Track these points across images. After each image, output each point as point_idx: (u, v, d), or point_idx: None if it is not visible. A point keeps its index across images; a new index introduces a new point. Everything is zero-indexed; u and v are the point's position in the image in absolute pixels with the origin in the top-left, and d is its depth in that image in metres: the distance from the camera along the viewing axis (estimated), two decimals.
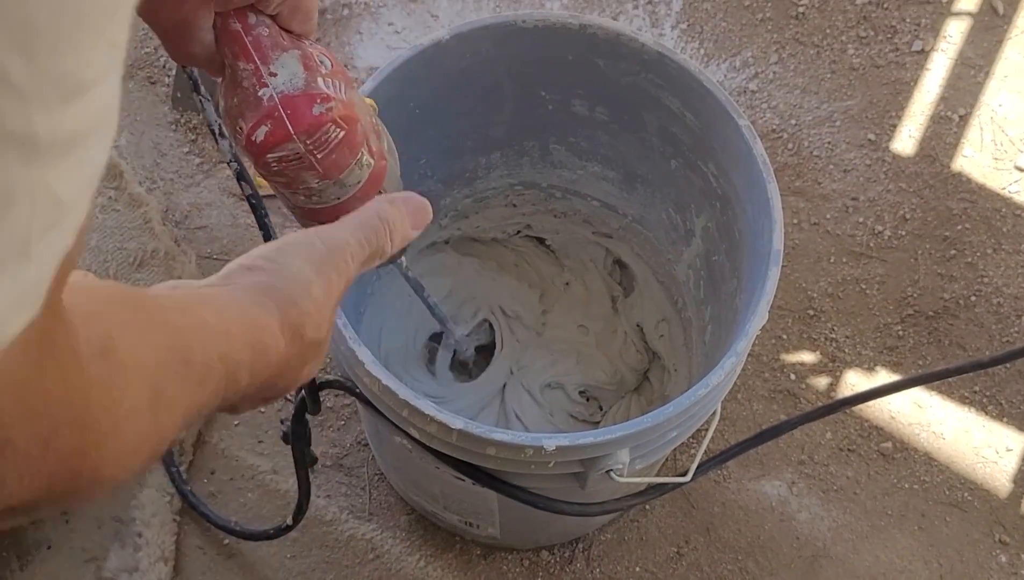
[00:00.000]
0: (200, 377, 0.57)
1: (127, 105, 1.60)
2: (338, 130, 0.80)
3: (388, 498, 1.41)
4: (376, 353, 1.28)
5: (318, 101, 0.78)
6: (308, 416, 1.10)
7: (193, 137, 1.59)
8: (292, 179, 0.82)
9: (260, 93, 0.77)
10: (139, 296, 0.56)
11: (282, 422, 1.21)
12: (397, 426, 1.01)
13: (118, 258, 1.50)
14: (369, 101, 0.90)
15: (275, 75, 0.77)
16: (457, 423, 0.93)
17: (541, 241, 1.48)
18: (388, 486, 1.41)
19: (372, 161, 0.84)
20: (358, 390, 1.03)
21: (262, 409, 1.44)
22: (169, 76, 1.61)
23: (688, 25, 1.71)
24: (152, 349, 0.53)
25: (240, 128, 0.79)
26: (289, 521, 1.30)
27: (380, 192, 0.86)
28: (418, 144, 1.24)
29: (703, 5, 1.72)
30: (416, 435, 0.99)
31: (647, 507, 1.41)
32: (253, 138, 0.78)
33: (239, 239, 1.55)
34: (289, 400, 1.11)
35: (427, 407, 0.94)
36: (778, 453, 1.44)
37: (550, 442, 0.93)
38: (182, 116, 1.59)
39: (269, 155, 0.79)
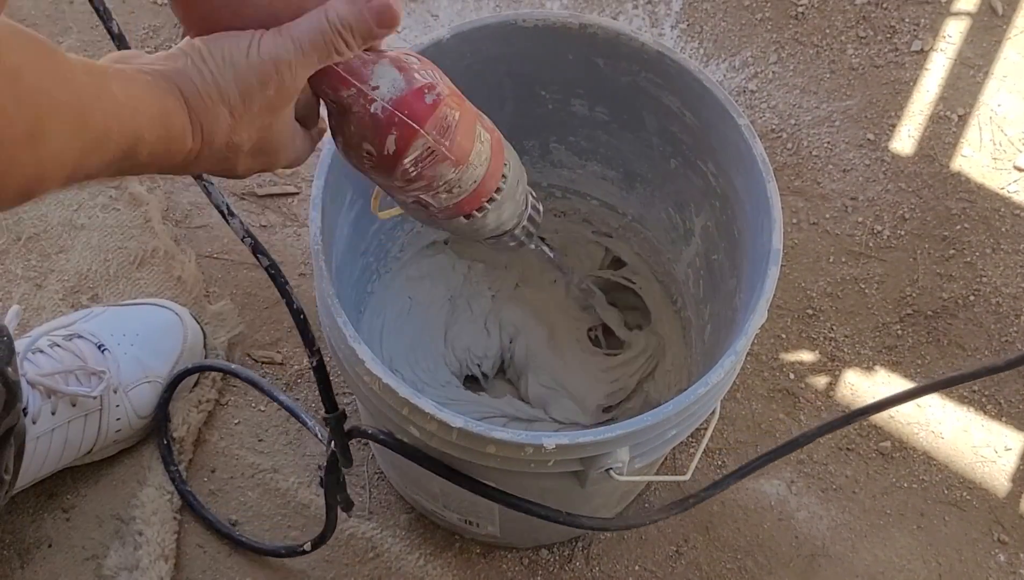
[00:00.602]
0: (96, 140, 0.60)
1: None
2: (453, 110, 0.84)
3: (388, 497, 1.41)
4: (377, 352, 1.29)
5: (426, 91, 0.82)
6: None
7: None
8: (431, 178, 0.86)
9: (372, 109, 0.80)
10: (55, 50, 0.58)
11: (319, 467, 1.25)
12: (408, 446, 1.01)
13: (119, 257, 1.50)
14: None
15: (377, 88, 0.80)
16: (457, 422, 0.94)
17: (541, 240, 1.48)
18: (388, 485, 1.41)
19: (488, 134, 0.88)
20: (382, 437, 1.04)
21: (262, 407, 1.45)
22: None
23: (688, 25, 1.71)
24: (48, 95, 0.56)
25: (369, 152, 0.83)
26: (307, 547, 1.31)
27: (505, 164, 0.90)
28: None
29: (703, 5, 1.72)
30: (416, 434, 0.99)
31: (647, 506, 1.41)
32: (385, 152, 0.82)
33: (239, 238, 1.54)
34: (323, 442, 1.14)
35: (427, 405, 0.94)
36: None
37: (549, 440, 0.93)
38: None
39: (405, 160, 0.83)
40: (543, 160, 1.36)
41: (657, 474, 1.40)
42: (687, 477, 1.10)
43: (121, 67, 0.66)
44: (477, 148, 0.87)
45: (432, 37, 1.11)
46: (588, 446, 0.95)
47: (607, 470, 0.99)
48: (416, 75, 0.82)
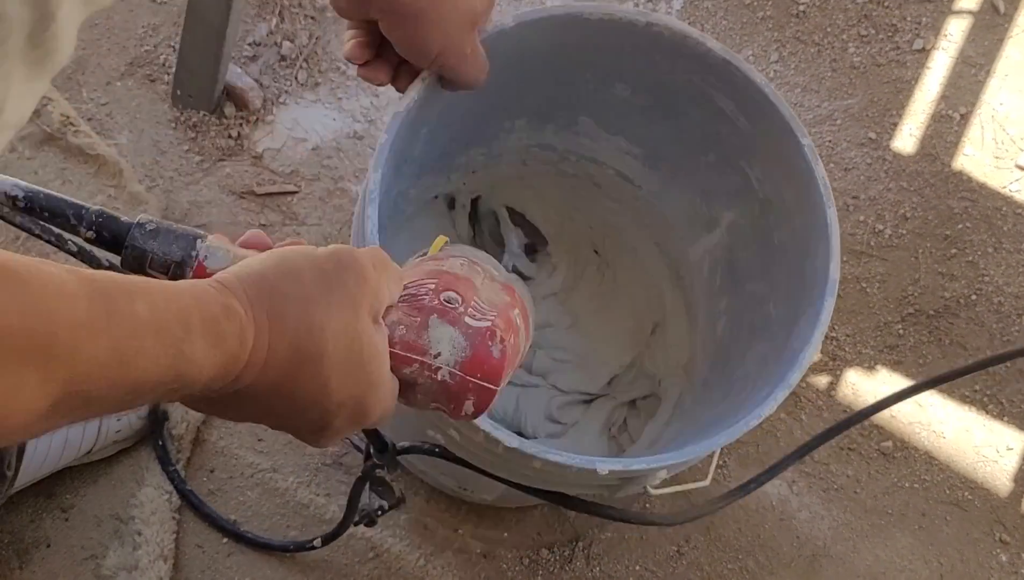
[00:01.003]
0: (98, 370, 0.52)
1: (127, 103, 1.57)
2: (509, 333, 0.76)
3: None
4: None
5: (491, 343, 0.74)
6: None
7: (193, 135, 1.54)
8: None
9: (441, 378, 0.73)
10: (28, 278, 0.50)
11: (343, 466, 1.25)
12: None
13: None
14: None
15: (439, 355, 0.73)
16: (513, 442, 0.92)
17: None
18: None
19: (528, 318, 0.83)
20: (437, 450, 1.02)
21: None
22: (168, 74, 1.57)
23: (688, 23, 1.70)
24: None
25: (439, 408, 0.75)
26: (317, 543, 1.32)
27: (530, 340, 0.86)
28: (454, 114, 1.20)
29: (704, 3, 1.71)
30: (456, 437, 0.98)
31: (647, 505, 1.41)
32: (464, 414, 0.74)
33: (238, 237, 1.52)
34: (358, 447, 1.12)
35: (483, 423, 0.92)
36: (779, 452, 1.44)
37: (603, 466, 0.92)
38: (182, 114, 1.55)
39: (483, 412, 0.76)
40: (567, 129, 1.32)
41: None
42: (707, 482, 1.10)
43: (157, 283, 0.58)
44: (527, 340, 0.82)
45: (496, 24, 1.07)
46: (638, 474, 0.95)
47: (644, 486, 0.99)
48: (467, 321, 0.74)
